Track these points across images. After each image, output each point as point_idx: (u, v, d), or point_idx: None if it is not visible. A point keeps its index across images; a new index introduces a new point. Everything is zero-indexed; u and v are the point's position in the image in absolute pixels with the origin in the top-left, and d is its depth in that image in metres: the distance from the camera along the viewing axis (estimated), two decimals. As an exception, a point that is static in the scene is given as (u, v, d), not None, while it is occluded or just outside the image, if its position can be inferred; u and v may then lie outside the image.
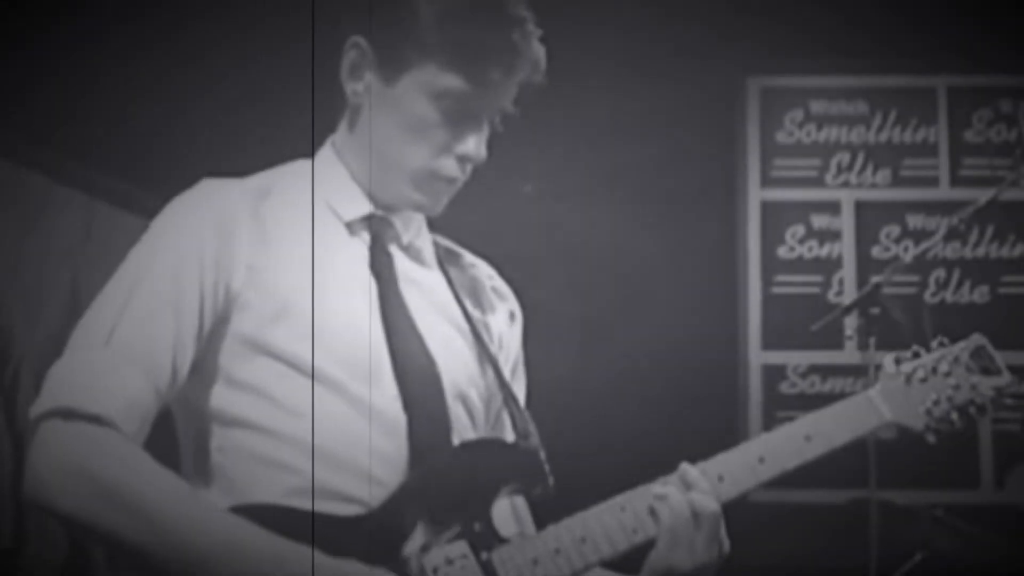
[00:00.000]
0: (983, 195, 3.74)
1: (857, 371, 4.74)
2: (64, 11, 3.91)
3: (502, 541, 1.89)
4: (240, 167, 2.03)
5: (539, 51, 1.95)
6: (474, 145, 1.95)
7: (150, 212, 1.97)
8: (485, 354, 2.04)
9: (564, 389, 4.60)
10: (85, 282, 4.08)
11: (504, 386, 2.05)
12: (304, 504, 1.82)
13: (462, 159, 1.95)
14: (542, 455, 1.97)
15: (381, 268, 1.97)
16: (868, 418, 2.04)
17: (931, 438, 2.06)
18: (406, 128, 1.94)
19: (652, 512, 1.91)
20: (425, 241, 2.08)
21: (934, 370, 2.07)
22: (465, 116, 1.93)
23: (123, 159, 4.28)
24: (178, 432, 1.96)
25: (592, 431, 4.72)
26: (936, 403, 2.06)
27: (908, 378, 2.07)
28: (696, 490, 1.91)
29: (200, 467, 1.90)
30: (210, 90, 4.18)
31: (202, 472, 1.89)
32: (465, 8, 1.90)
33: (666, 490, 1.92)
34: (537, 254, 4.78)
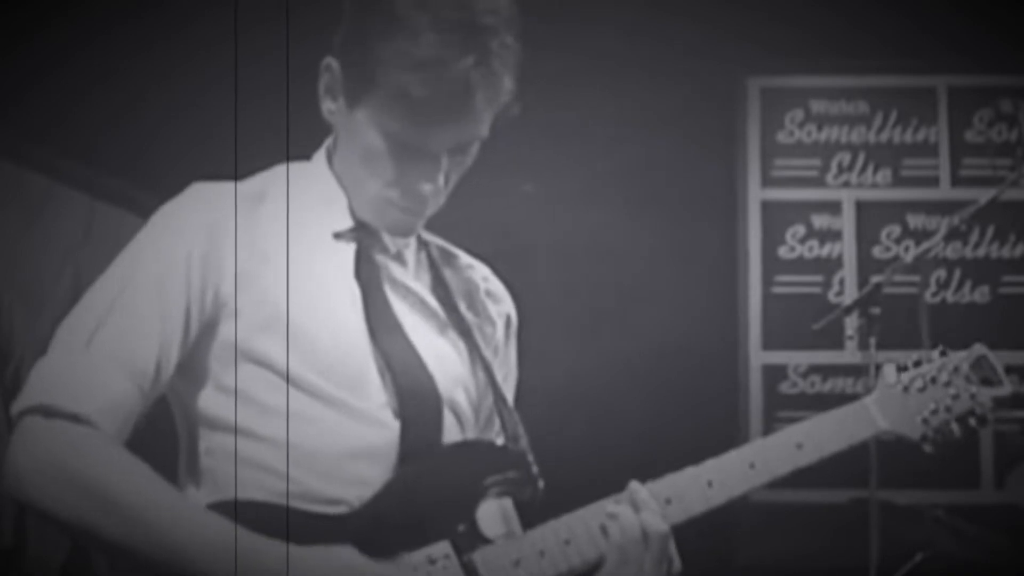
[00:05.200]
0: (984, 195, 3.74)
1: (858, 371, 4.74)
2: (64, 11, 3.91)
3: (486, 542, 1.89)
4: (241, 167, 2.03)
5: (503, 86, 1.89)
6: (427, 184, 1.92)
7: (150, 212, 1.97)
8: (477, 357, 2.04)
9: (563, 389, 4.60)
10: (86, 281, 4.06)
11: (495, 389, 2.04)
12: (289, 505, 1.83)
13: (415, 194, 1.93)
14: (530, 457, 1.97)
15: (367, 277, 1.97)
16: (863, 427, 2.02)
17: (928, 448, 2.04)
18: (361, 156, 1.93)
19: (604, 530, 1.91)
20: (414, 247, 2.07)
21: (933, 379, 2.05)
22: (416, 152, 1.90)
23: (123, 159, 4.28)
24: (177, 433, 1.97)
25: (592, 431, 4.72)
26: (934, 412, 2.04)
27: (906, 387, 2.05)
28: (646, 510, 1.91)
29: (191, 468, 1.91)
30: (211, 90, 4.17)
31: (192, 473, 1.90)
32: (423, 46, 1.83)
33: (619, 509, 1.91)
34: (537, 253, 4.79)
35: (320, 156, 2.04)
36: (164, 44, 4.17)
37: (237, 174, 2.01)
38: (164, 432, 1.96)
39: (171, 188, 1.98)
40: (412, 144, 1.89)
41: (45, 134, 4.05)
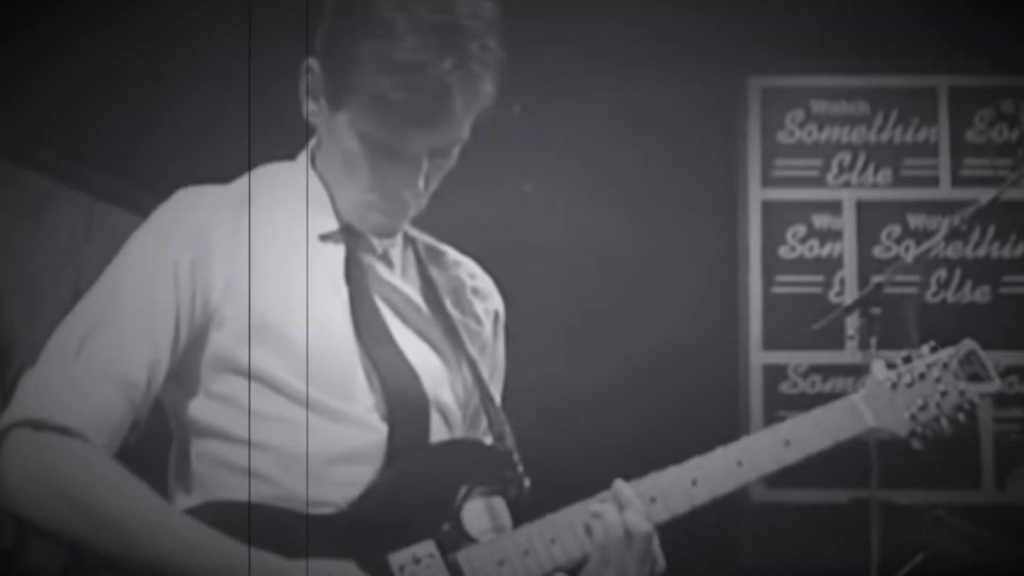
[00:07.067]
0: (984, 195, 3.74)
1: (858, 371, 4.74)
2: (65, 11, 3.91)
3: (471, 541, 1.90)
4: (236, 168, 2.02)
5: (483, 90, 1.88)
6: (407, 187, 1.92)
7: (150, 212, 1.97)
8: (463, 355, 2.03)
9: (563, 389, 4.60)
10: (86, 281, 4.07)
11: (481, 387, 2.04)
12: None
13: (396, 197, 1.93)
14: (516, 457, 1.97)
15: (355, 279, 1.96)
16: (851, 424, 2.02)
17: (917, 444, 2.03)
18: (342, 159, 1.93)
19: (588, 529, 1.90)
20: (400, 245, 2.07)
21: (922, 376, 2.04)
22: (396, 155, 1.90)
23: (124, 159, 4.28)
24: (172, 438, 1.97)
25: (592, 431, 4.72)
26: (922, 409, 2.03)
27: (894, 384, 2.05)
28: (630, 509, 1.90)
29: (182, 473, 1.91)
30: (212, 90, 4.17)
31: (183, 478, 1.91)
32: (403, 49, 1.82)
33: (603, 508, 1.91)
34: (536, 253, 4.78)
35: (304, 157, 2.03)
36: (165, 44, 4.17)
37: (232, 175, 2.01)
38: (163, 437, 1.96)
39: (171, 188, 1.98)
40: (391, 147, 1.89)
41: (46, 134, 4.05)
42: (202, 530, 1.77)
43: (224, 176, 2.01)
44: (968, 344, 2.08)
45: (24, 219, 4.11)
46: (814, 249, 5.18)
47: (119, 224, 4.21)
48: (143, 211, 1.97)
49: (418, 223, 2.08)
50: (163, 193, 1.97)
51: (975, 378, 2.05)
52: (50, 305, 4.05)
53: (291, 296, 1.90)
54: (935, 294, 5.08)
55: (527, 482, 1.96)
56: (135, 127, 4.21)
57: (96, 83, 4.05)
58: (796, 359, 5.09)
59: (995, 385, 2.06)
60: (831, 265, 5.17)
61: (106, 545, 1.75)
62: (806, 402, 4.99)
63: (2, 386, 3.86)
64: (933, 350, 2.08)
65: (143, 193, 3.99)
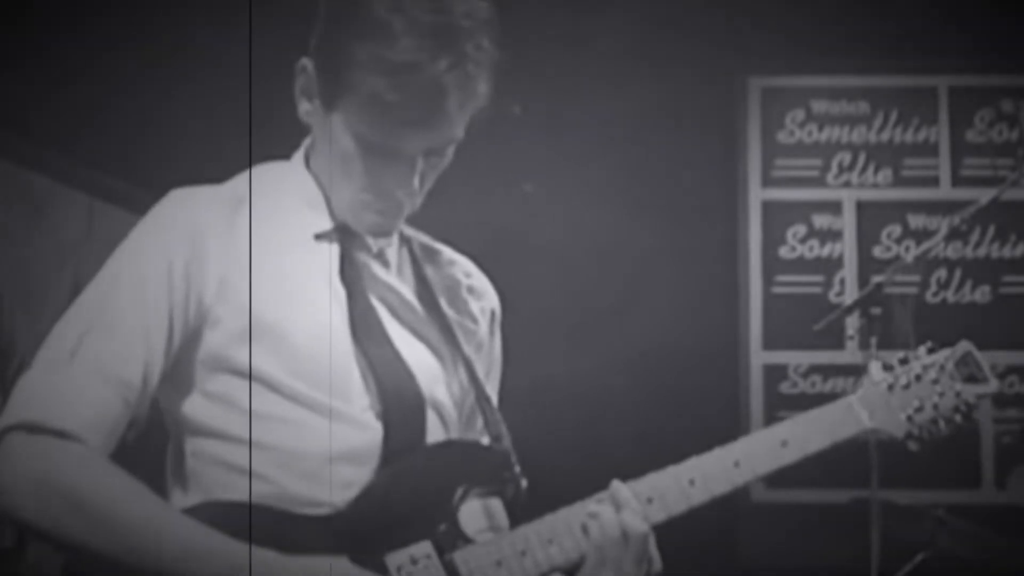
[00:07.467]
0: (984, 195, 3.74)
1: (858, 371, 4.73)
2: (65, 11, 3.91)
3: (468, 542, 1.90)
4: (239, 166, 2.03)
5: (478, 90, 1.89)
6: (402, 187, 1.92)
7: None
8: (459, 354, 2.04)
9: (563, 389, 4.60)
10: (86, 281, 4.07)
11: (478, 387, 2.04)
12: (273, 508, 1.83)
13: (390, 197, 1.94)
14: (513, 457, 1.97)
15: (351, 278, 1.97)
16: (848, 425, 2.02)
17: (913, 446, 2.04)
18: (337, 159, 1.93)
19: (585, 530, 1.91)
20: (396, 244, 2.07)
21: (918, 377, 2.05)
22: (390, 155, 1.90)
23: (124, 158, 4.28)
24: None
25: (592, 431, 4.72)
26: (919, 410, 2.03)
27: (891, 385, 2.05)
28: (627, 510, 1.90)
29: (177, 471, 1.92)
30: (213, 88, 4.17)
31: (179, 476, 1.91)
32: (398, 50, 1.83)
33: (600, 508, 1.91)
34: (536, 253, 4.78)
35: (299, 157, 2.04)
36: (165, 44, 4.17)
37: (231, 175, 2.01)
38: (162, 435, 1.97)
39: (171, 188, 1.98)
40: (386, 148, 1.89)
41: (46, 134, 4.05)
42: (200, 529, 1.78)
43: (223, 176, 2.02)
44: (964, 345, 2.08)
45: (24, 219, 4.11)
46: (814, 249, 5.18)
47: (118, 224, 4.20)
48: (142, 210, 1.97)
49: (418, 222, 2.08)
50: (163, 193, 1.98)
51: (971, 379, 2.05)
52: (50, 305, 4.04)
53: (286, 295, 1.90)
54: (935, 294, 5.08)
55: (524, 482, 1.96)
56: (135, 127, 4.21)
57: (96, 83, 4.04)
58: (796, 359, 5.09)
59: (991, 386, 2.06)
60: (831, 265, 5.17)
61: (105, 546, 1.76)
62: (806, 402, 4.98)
63: (2, 386, 3.86)
64: (930, 351, 2.09)
65: (143, 193, 3.99)
